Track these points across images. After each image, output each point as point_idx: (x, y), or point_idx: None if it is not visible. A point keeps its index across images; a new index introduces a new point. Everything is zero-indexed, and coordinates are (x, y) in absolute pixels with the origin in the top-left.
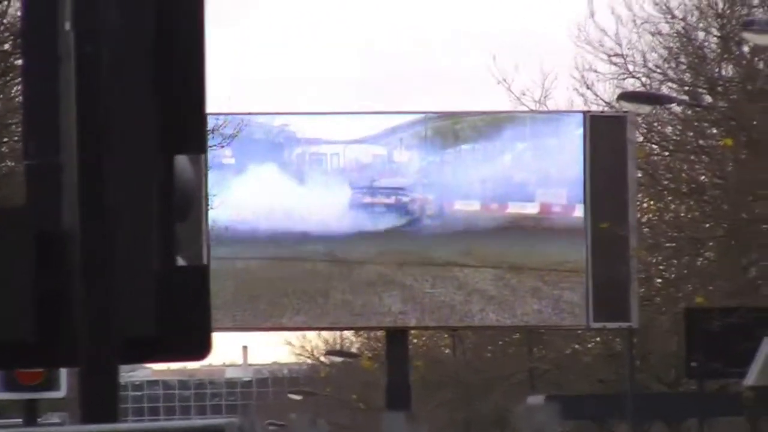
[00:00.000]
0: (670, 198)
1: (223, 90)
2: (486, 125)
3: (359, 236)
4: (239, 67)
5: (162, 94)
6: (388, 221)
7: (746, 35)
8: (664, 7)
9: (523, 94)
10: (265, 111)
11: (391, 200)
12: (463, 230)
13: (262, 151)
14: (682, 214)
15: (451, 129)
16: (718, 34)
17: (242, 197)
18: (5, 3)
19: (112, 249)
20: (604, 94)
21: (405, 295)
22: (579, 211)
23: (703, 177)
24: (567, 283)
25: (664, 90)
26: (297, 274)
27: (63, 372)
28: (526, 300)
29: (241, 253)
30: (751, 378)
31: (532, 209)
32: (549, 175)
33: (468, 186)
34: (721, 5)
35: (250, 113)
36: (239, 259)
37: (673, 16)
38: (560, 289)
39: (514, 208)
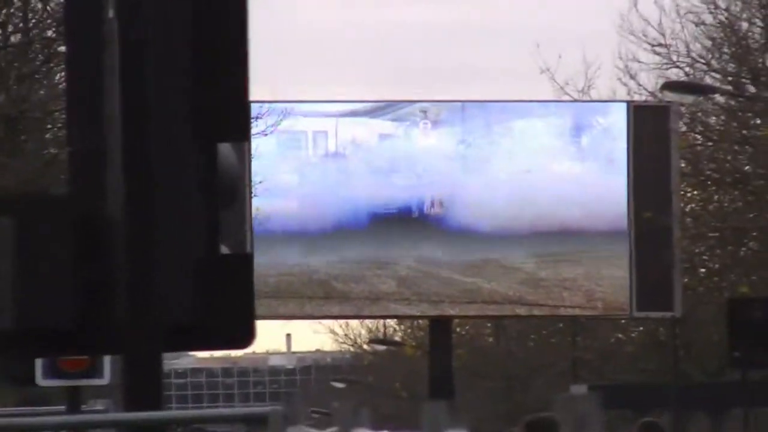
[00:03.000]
0: (713, 188)
1: (267, 77)
2: (522, 113)
3: (399, 226)
4: (280, 54)
5: (205, 81)
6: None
7: None
8: None
9: (567, 84)
10: (307, 99)
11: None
12: (499, 230)
13: (304, 140)
14: (726, 204)
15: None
16: (762, 24)
17: (286, 186)
18: None
19: (155, 237)
20: (648, 83)
21: (447, 285)
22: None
23: (747, 167)
24: (610, 273)
25: (708, 80)
26: (340, 264)
27: (107, 359)
28: (570, 289)
29: (285, 242)
30: None
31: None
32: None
33: (505, 180)
34: None
35: (292, 101)
36: (282, 248)
37: (717, 6)
38: (603, 278)
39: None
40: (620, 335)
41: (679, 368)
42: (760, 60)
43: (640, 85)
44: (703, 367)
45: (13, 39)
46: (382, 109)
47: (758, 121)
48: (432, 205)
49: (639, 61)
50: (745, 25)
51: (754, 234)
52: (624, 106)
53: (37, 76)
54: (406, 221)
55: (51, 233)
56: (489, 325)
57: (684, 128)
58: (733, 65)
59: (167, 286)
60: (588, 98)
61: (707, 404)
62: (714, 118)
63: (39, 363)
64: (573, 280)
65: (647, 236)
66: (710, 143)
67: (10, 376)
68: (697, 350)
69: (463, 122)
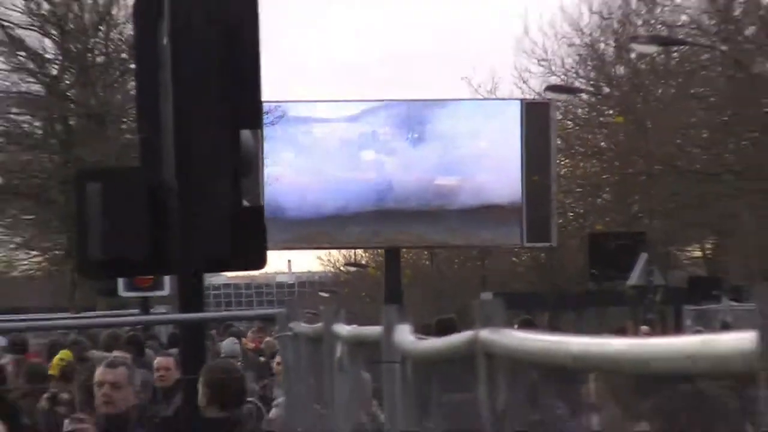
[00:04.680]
0: (579, 158)
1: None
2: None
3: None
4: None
5: (230, 87)
6: (376, 196)
7: (633, 46)
8: (576, 27)
9: (480, 87)
10: (296, 99)
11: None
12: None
13: (297, 129)
14: (588, 169)
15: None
16: (614, 45)
17: (286, 160)
18: (124, 25)
19: (198, 196)
20: (536, 87)
21: (406, 234)
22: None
23: (602, 143)
24: (508, 217)
25: (577, 84)
26: (327, 216)
27: (167, 278)
28: (482, 228)
29: (287, 207)
30: (632, 280)
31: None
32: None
33: (436, 162)
34: (615, 26)
35: (284, 101)
36: (285, 203)
37: (583, 33)
38: (504, 221)
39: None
40: (515, 259)
41: (554, 281)
42: (612, 69)
43: (530, 87)
44: (570, 281)
45: (99, 60)
46: (358, 117)
47: (611, 112)
48: (391, 184)
49: (529, 71)
50: (602, 45)
51: (607, 189)
52: (519, 102)
53: (116, 85)
54: (377, 192)
55: (128, 195)
56: (426, 253)
57: (560, 117)
58: (594, 73)
59: (207, 229)
60: (494, 96)
61: (573, 306)
62: (580, 109)
63: (121, 281)
64: (487, 222)
65: (534, 192)
66: (577, 127)
67: (102, 289)
68: (567, 269)
69: (409, 120)
